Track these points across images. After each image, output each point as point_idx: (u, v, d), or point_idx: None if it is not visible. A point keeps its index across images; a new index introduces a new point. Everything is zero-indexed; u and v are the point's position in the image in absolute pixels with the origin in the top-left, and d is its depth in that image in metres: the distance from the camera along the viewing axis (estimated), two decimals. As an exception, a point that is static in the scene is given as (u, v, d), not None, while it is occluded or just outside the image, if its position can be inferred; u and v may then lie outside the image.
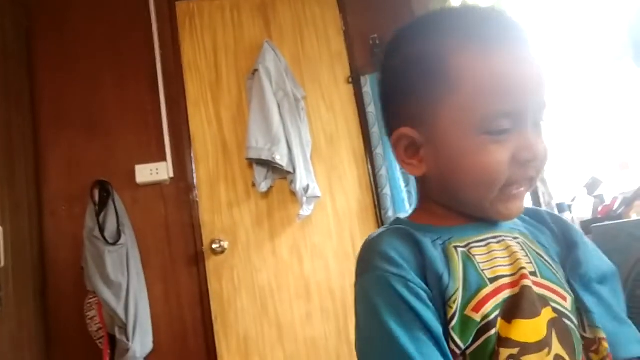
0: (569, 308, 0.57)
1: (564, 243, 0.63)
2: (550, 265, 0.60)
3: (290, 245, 2.43)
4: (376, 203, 2.49)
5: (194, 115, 2.50)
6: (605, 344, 0.56)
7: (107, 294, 2.01)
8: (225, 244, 2.37)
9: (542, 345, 0.52)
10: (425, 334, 0.51)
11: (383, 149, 2.43)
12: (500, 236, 0.59)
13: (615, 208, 1.55)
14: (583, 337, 0.56)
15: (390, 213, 2.36)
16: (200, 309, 2.31)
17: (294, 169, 2.32)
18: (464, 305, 0.53)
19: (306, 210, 2.33)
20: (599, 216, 1.61)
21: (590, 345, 0.56)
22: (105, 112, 2.43)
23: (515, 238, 0.60)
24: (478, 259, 0.56)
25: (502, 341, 0.51)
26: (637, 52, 1.41)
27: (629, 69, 1.54)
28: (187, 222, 2.37)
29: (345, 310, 2.39)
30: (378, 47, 2.59)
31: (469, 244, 0.58)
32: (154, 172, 2.36)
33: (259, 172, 2.39)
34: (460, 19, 0.59)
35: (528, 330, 0.52)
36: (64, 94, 2.43)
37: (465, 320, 0.52)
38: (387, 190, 2.39)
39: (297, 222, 2.43)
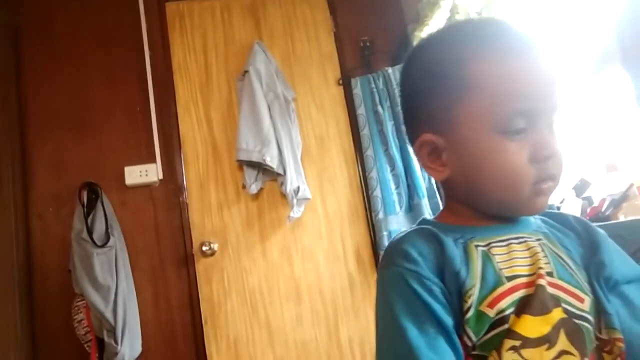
0: (586, 309, 0.58)
1: (588, 245, 0.65)
2: (570, 267, 0.61)
3: (281, 247, 2.42)
4: (366, 205, 2.49)
5: (183, 117, 2.49)
6: (620, 344, 0.57)
7: (95, 296, 1.98)
8: (215, 246, 2.36)
9: (542, 341, 0.55)
10: (435, 327, 0.54)
11: (373, 150, 2.44)
12: (523, 237, 0.62)
13: (603, 210, 1.56)
14: (598, 338, 0.58)
15: (381, 215, 2.36)
16: (190, 312, 2.29)
17: (285, 171, 2.32)
18: (480, 300, 0.56)
19: (296, 212, 2.33)
20: (588, 218, 1.62)
21: (605, 345, 0.58)
22: (94, 113, 2.41)
23: (538, 240, 0.62)
24: (497, 258, 0.59)
25: (509, 333, 0.55)
26: (624, 55, 1.43)
27: (616, 72, 1.56)
28: (176, 224, 2.36)
29: (335, 312, 2.39)
30: (368, 49, 2.59)
31: (490, 243, 0.60)
32: (143, 174, 2.34)
33: (249, 173, 2.39)
34: (477, 29, 0.62)
35: (533, 326, 0.55)
36: (52, 95, 2.40)
37: (480, 315, 0.55)
38: (377, 192, 2.40)
39: (287, 224, 2.42)
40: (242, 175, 2.42)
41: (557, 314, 0.56)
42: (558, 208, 1.83)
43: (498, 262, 0.58)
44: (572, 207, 1.80)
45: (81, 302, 2.02)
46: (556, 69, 0.60)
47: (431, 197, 2.34)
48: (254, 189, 2.37)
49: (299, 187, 2.32)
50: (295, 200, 2.30)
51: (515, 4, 2.06)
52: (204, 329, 2.29)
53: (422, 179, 2.36)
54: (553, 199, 1.94)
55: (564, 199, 1.82)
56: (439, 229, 0.62)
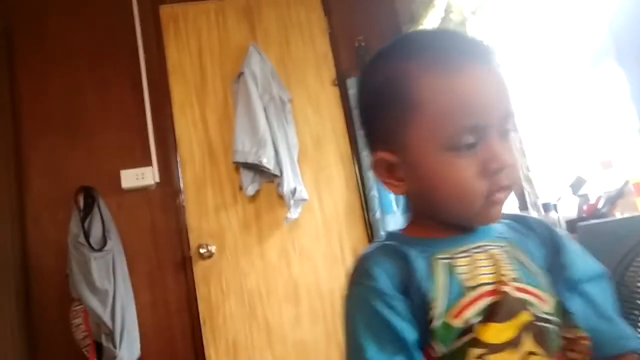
0: (551, 311, 0.60)
1: (550, 247, 0.66)
2: (534, 270, 0.62)
3: (278, 249, 2.42)
4: (363, 205, 2.49)
5: (179, 119, 2.48)
6: (585, 342, 0.60)
7: (93, 301, 1.98)
8: (213, 249, 2.36)
9: (508, 345, 0.56)
10: (394, 344, 0.56)
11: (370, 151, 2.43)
12: (486, 245, 0.63)
13: (599, 207, 1.56)
14: (565, 337, 0.60)
15: (378, 215, 2.36)
16: (189, 314, 2.29)
17: (281, 172, 2.32)
18: (445, 312, 0.57)
19: (294, 213, 2.33)
20: (584, 215, 1.62)
21: (571, 344, 0.60)
22: (89, 116, 2.40)
23: (502, 246, 0.63)
24: (460, 269, 0.60)
25: (474, 342, 0.56)
26: (619, 52, 1.43)
27: (611, 69, 1.56)
28: (173, 227, 2.35)
29: (334, 312, 2.39)
30: (363, 49, 2.59)
31: (453, 255, 0.61)
32: (139, 177, 2.34)
33: (246, 175, 2.38)
34: (422, 43, 0.62)
35: (498, 332, 0.56)
36: (47, 98, 2.39)
37: (446, 326, 0.56)
38: (374, 192, 2.40)
39: (284, 225, 2.42)
40: (238, 177, 2.42)
41: (523, 317, 0.57)
42: (554, 206, 1.84)
43: (461, 274, 0.59)
44: (568, 205, 1.80)
45: (79, 307, 2.02)
46: (506, 76, 0.60)
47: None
48: (250, 190, 2.37)
49: (295, 188, 2.32)
50: (292, 201, 2.30)
51: (509, 2, 2.07)
52: (203, 331, 2.29)
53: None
54: (550, 198, 1.95)
55: (561, 197, 1.83)
56: (403, 243, 0.62)
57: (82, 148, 2.36)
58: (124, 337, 2.01)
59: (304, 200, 2.37)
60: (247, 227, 2.42)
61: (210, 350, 2.28)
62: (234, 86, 2.49)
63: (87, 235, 2.06)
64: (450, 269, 0.59)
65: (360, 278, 0.60)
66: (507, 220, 0.68)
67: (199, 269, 2.35)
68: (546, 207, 1.88)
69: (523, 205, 2.22)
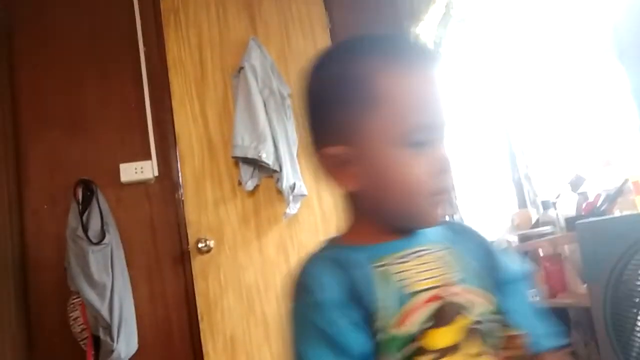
0: (491, 311, 0.61)
1: (482, 250, 0.68)
2: (473, 271, 0.63)
3: (277, 244, 2.42)
4: (363, 201, 2.48)
5: (179, 113, 2.48)
6: (519, 340, 0.61)
7: (91, 294, 1.98)
8: (211, 243, 2.36)
9: (453, 349, 0.56)
10: (339, 358, 0.55)
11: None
12: (424, 249, 0.63)
13: (598, 205, 1.57)
14: (502, 335, 0.61)
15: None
16: (186, 309, 2.29)
17: (280, 167, 2.31)
18: (389, 321, 0.56)
19: (293, 209, 2.33)
20: (583, 213, 1.62)
21: (509, 342, 0.61)
22: (89, 109, 2.39)
23: (440, 250, 0.63)
24: (400, 275, 0.59)
25: (421, 351, 0.55)
26: (621, 51, 1.43)
27: (612, 67, 1.56)
28: (172, 221, 2.35)
29: (332, 308, 2.39)
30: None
31: (392, 261, 0.60)
32: (138, 171, 2.33)
33: (245, 170, 2.38)
34: (382, 43, 0.64)
35: (444, 337, 0.56)
36: (46, 92, 2.39)
37: (389, 337, 0.56)
38: (373, 188, 2.39)
39: (283, 221, 2.42)
40: (238, 172, 2.41)
41: (464, 320, 0.58)
42: (554, 203, 1.84)
43: (401, 280, 0.59)
44: (567, 203, 1.80)
45: (77, 300, 2.02)
46: (446, 85, 0.63)
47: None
48: (249, 185, 2.37)
49: (295, 184, 2.31)
50: (291, 197, 2.30)
51: (510, -1, 2.06)
52: (200, 326, 2.29)
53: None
54: (549, 196, 1.95)
55: (560, 194, 1.83)
56: (343, 252, 0.62)
57: (81, 141, 2.35)
58: (121, 331, 2.01)
59: (303, 195, 2.36)
60: (245, 222, 2.42)
61: (208, 345, 2.28)
62: (234, 80, 2.48)
63: (85, 229, 2.05)
64: (392, 276, 0.59)
65: (301, 292, 0.59)
66: (441, 226, 0.68)
67: (198, 263, 2.35)
68: (545, 204, 1.88)
69: (522, 203, 2.23)
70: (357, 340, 0.55)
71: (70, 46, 2.44)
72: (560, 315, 1.73)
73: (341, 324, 0.55)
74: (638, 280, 1.15)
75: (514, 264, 0.70)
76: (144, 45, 2.45)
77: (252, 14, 2.63)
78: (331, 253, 0.63)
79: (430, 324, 0.56)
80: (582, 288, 1.55)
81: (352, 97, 0.61)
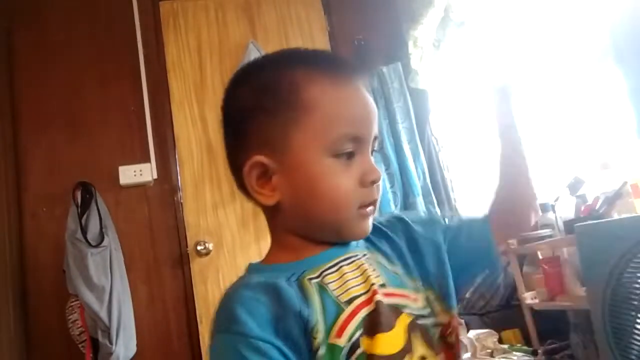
0: (421, 305, 0.60)
1: (404, 242, 0.67)
2: (396, 271, 0.63)
3: (276, 247, 2.42)
4: (362, 204, 2.48)
5: (178, 116, 2.48)
6: (455, 325, 0.62)
7: (89, 297, 1.97)
8: (210, 246, 2.35)
9: (404, 352, 0.56)
10: None
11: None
12: (350, 257, 0.62)
13: (597, 207, 1.57)
14: (439, 325, 0.61)
15: (375, 214, 2.35)
16: (185, 312, 2.29)
17: (280, 170, 2.31)
18: (327, 333, 0.55)
19: (292, 211, 2.32)
20: (582, 216, 1.62)
21: (445, 330, 0.61)
22: (88, 112, 2.39)
23: (364, 255, 0.63)
24: (331, 286, 0.59)
25: (369, 358, 0.54)
26: (618, 53, 1.43)
27: (609, 70, 1.56)
28: (171, 224, 2.35)
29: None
30: (362, 48, 2.59)
31: (321, 273, 0.60)
32: (137, 173, 2.33)
33: (244, 173, 2.38)
34: (310, 55, 0.65)
35: (390, 341, 0.55)
36: (46, 94, 2.39)
37: (331, 348, 0.55)
38: (372, 191, 2.39)
39: (282, 223, 2.42)
40: (237, 175, 2.41)
41: (403, 321, 0.57)
42: (552, 206, 1.84)
43: (334, 290, 0.58)
44: (566, 205, 1.80)
45: (75, 303, 2.01)
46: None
47: (426, 196, 2.34)
48: (249, 188, 2.37)
49: (294, 186, 2.32)
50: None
51: (509, 1, 2.07)
52: (199, 329, 2.28)
53: (417, 178, 2.36)
54: (548, 198, 1.95)
55: (558, 197, 1.83)
56: (270, 273, 0.60)
57: (80, 144, 2.35)
58: (120, 334, 2.00)
59: (302, 198, 2.36)
60: (244, 225, 2.42)
61: (206, 348, 2.27)
62: (233, 83, 2.48)
63: (84, 231, 2.05)
64: (323, 288, 0.58)
65: (225, 323, 0.56)
66: None
67: (197, 266, 2.35)
68: (544, 207, 1.88)
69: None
70: None
71: (70, 49, 2.44)
72: (560, 318, 1.73)
73: (274, 353, 0.53)
74: (637, 282, 1.15)
75: (432, 224, 0.70)
76: (144, 48, 2.46)
77: (251, 17, 2.63)
78: (258, 277, 0.61)
79: (368, 330, 0.55)
80: (581, 290, 1.55)
81: (278, 106, 0.60)
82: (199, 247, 2.33)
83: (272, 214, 0.65)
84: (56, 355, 2.15)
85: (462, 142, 2.49)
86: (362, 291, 0.58)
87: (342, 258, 0.62)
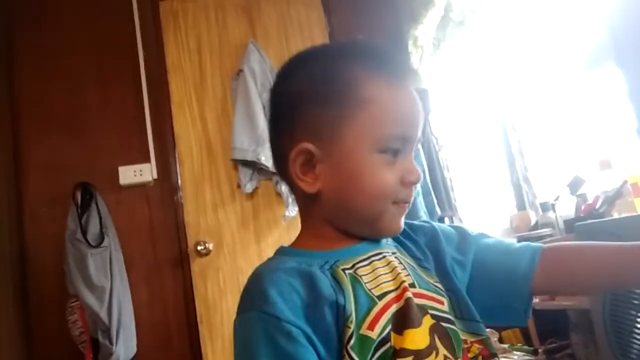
0: (447, 310, 0.61)
1: (431, 249, 0.68)
2: (423, 274, 0.64)
3: (276, 246, 2.39)
4: (362, 203, 2.48)
5: (178, 116, 2.48)
6: (478, 346, 0.61)
7: (89, 297, 1.97)
8: (211, 246, 2.35)
9: (430, 349, 0.56)
10: None
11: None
12: (381, 253, 0.63)
13: (597, 207, 1.57)
14: (463, 332, 0.61)
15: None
16: (185, 312, 2.29)
17: (280, 170, 2.31)
18: (359, 325, 0.56)
19: (292, 211, 2.32)
20: (582, 215, 1.62)
21: (466, 344, 0.60)
22: (88, 112, 2.39)
23: (394, 253, 0.64)
24: (364, 278, 0.59)
25: (398, 352, 0.55)
26: (618, 52, 1.43)
27: (610, 69, 1.56)
28: (171, 224, 2.35)
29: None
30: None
31: (354, 264, 0.61)
32: (137, 174, 2.33)
33: (244, 173, 2.38)
34: (370, 52, 0.65)
35: (417, 338, 0.56)
36: (46, 95, 2.39)
37: (362, 339, 0.55)
38: (372, 191, 2.39)
39: (282, 223, 2.42)
40: (237, 175, 2.41)
41: (427, 322, 0.58)
42: (552, 205, 1.84)
43: (366, 283, 0.59)
44: (566, 204, 1.80)
45: (75, 303, 2.01)
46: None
47: (426, 195, 2.34)
48: (249, 188, 2.37)
49: (294, 186, 2.31)
50: (290, 199, 2.30)
51: (509, 1, 2.07)
52: (200, 329, 2.28)
53: (417, 178, 2.35)
54: (548, 197, 1.95)
55: (559, 196, 1.83)
56: (302, 258, 0.61)
57: (80, 144, 2.35)
58: (120, 334, 2.00)
59: (302, 198, 2.36)
60: (245, 225, 2.42)
61: (207, 348, 2.28)
62: (233, 83, 2.48)
63: (84, 232, 2.05)
64: (356, 279, 0.59)
65: (255, 301, 0.56)
66: None
67: (197, 266, 2.35)
68: (544, 206, 1.88)
69: (521, 205, 2.23)
70: (309, 353, 0.53)
71: (70, 50, 2.44)
72: (560, 317, 1.73)
73: (297, 335, 0.53)
74: (637, 281, 1.15)
75: (451, 240, 0.70)
76: (144, 48, 2.45)
77: (251, 18, 2.63)
78: (290, 261, 0.61)
79: (397, 325, 0.56)
80: (581, 290, 1.55)
81: (335, 98, 0.61)
82: (199, 247, 2.33)
83: (310, 202, 0.65)
84: (56, 355, 2.15)
85: (462, 142, 2.49)
86: (393, 287, 0.59)
87: (373, 253, 0.63)
